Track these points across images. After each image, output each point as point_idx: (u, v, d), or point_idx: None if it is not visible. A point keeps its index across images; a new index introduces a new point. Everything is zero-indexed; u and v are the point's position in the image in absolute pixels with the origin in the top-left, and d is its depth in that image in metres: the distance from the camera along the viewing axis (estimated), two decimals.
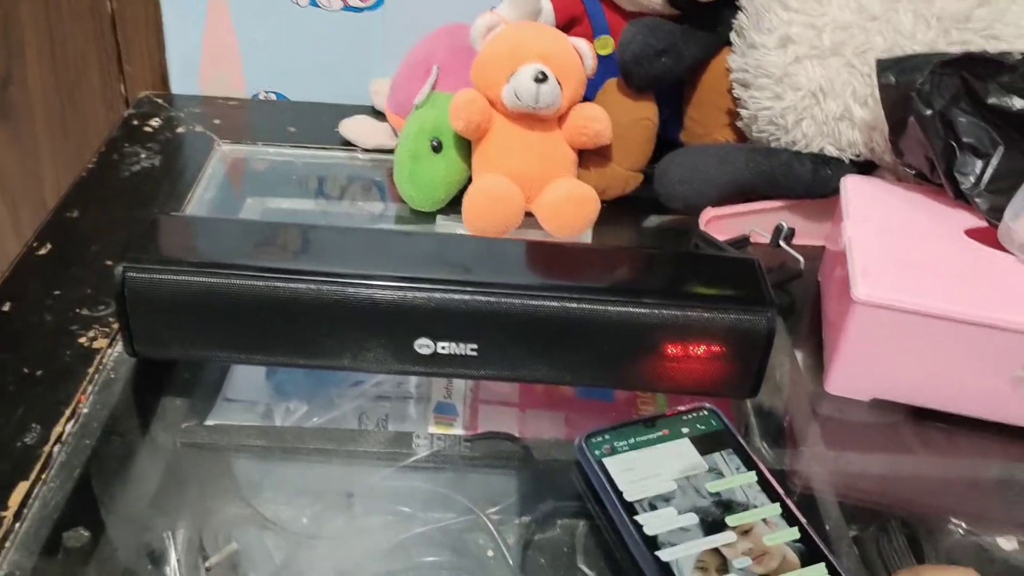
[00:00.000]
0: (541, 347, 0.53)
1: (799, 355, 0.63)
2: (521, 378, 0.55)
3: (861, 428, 0.59)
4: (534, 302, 0.52)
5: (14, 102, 0.92)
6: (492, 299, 0.52)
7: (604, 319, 0.52)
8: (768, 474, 0.49)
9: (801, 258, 0.66)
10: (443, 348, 0.53)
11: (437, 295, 0.52)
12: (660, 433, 0.51)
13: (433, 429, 0.60)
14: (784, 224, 0.67)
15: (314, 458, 0.56)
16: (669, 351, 0.52)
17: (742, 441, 0.51)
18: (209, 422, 0.58)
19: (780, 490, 0.48)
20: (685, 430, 0.51)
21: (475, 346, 0.53)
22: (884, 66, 0.60)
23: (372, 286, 0.52)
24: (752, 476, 0.49)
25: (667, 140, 0.77)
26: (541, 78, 0.67)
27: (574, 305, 0.52)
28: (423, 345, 0.53)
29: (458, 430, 0.59)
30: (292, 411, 0.62)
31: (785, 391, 0.63)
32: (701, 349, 0.52)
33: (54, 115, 0.93)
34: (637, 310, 0.52)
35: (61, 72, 0.91)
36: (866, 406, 0.59)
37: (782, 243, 0.66)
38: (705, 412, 0.52)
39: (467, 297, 0.52)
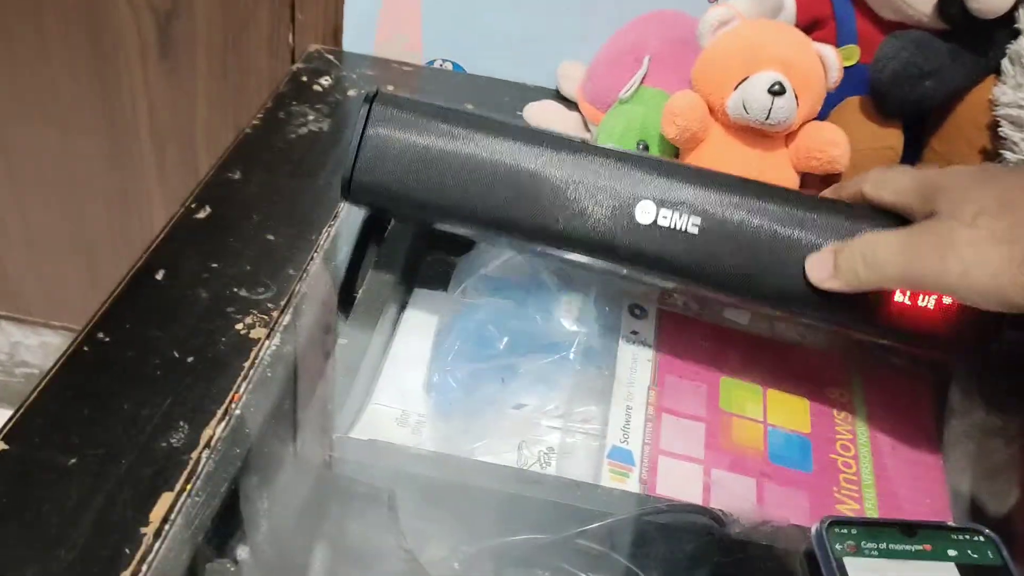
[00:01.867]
0: (768, 248, 0.50)
1: None
2: (737, 282, 0.50)
3: None
4: (769, 198, 0.51)
5: (177, 37, 0.87)
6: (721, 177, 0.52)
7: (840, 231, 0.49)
8: None
9: None
10: (664, 218, 0.50)
11: (666, 165, 0.51)
12: (921, 547, 0.42)
13: (608, 480, 0.52)
14: None
15: (474, 495, 0.49)
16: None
17: None
18: (356, 433, 0.52)
19: None
20: (952, 552, 0.42)
21: (698, 220, 0.49)
22: None
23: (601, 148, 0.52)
24: None
25: None
26: (778, 90, 0.57)
27: (811, 214, 0.50)
28: (644, 211, 0.50)
29: (634, 483, 0.51)
30: (446, 427, 0.55)
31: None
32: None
33: (216, 56, 0.88)
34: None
35: (230, 12, 0.85)
36: None
37: None
38: (982, 539, 0.43)
39: (699, 172, 0.52)
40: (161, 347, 0.50)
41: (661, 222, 0.50)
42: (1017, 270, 0.39)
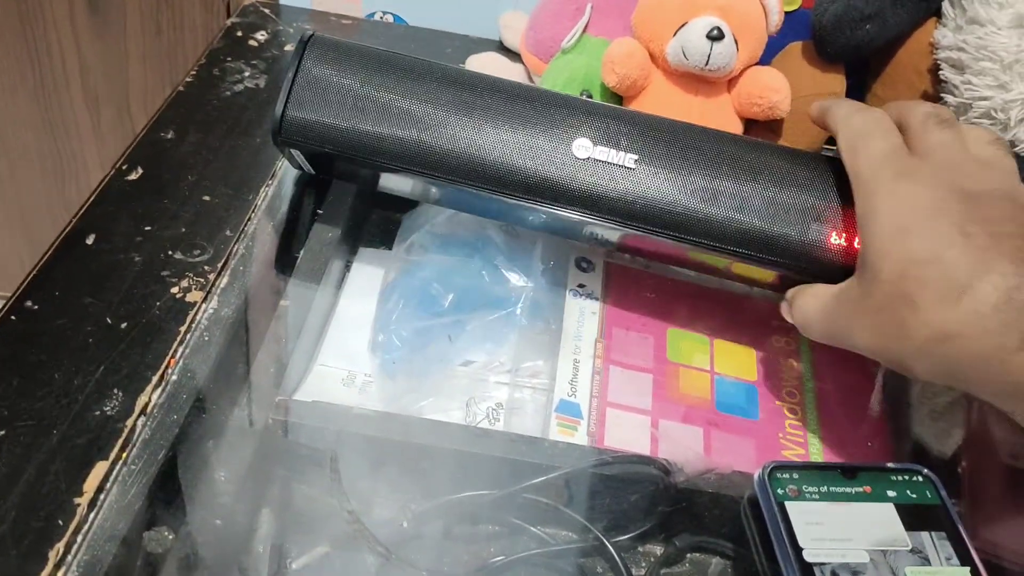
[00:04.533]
0: (703, 176, 0.50)
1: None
2: (672, 218, 0.50)
3: None
4: (702, 133, 0.52)
5: None
6: (658, 119, 0.52)
7: (776, 162, 0.50)
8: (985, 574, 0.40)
9: None
10: (601, 152, 0.50)
11: (603, 108, 0.52)
12: (861, 489, 0.43)
13: (556, 433, 0.52)
14: None
15: (422, 454, 0.48)
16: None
17: (960, 526, 0.41)
18: (301, 396, 0.51)
19: None
20: (891, 493, 0.43)
21: (636, 157, 0.50)
22: None
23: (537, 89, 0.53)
24: (965, 573, 0.40)
25: None
26: (716, 35, 0.57)
27: (743, 153, 0.51)
28: (581, 146, 0.50)
29: (582, 436, 0.51)
30: (393, 387, 0.55)
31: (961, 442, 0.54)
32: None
33: (147, 12, 0.85)
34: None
35: None
36: None
37: None
38: (920, 478, 0.43)
39: (636, 114, 0.52)
40: (93, 314, 0.48)
41: (598, 156, 0.50)
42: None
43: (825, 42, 0.61)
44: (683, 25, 0.58)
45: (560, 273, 0.60)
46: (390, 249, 0.62)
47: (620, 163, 0.50)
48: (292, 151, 0.53)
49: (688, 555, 0.48)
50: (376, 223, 0.63)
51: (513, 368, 0.57)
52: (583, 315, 0.58)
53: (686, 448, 0.52)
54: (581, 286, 0.59)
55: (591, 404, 0.53)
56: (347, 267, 0.60)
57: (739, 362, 0.57)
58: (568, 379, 0.54)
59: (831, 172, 0.50)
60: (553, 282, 0.60)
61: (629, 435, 0.52)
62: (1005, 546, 0.46)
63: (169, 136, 0.61)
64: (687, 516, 0.46)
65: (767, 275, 0.54)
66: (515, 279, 0.60)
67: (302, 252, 0.57)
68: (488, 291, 0.59)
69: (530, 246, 0.60)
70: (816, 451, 0.53)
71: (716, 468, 0.47)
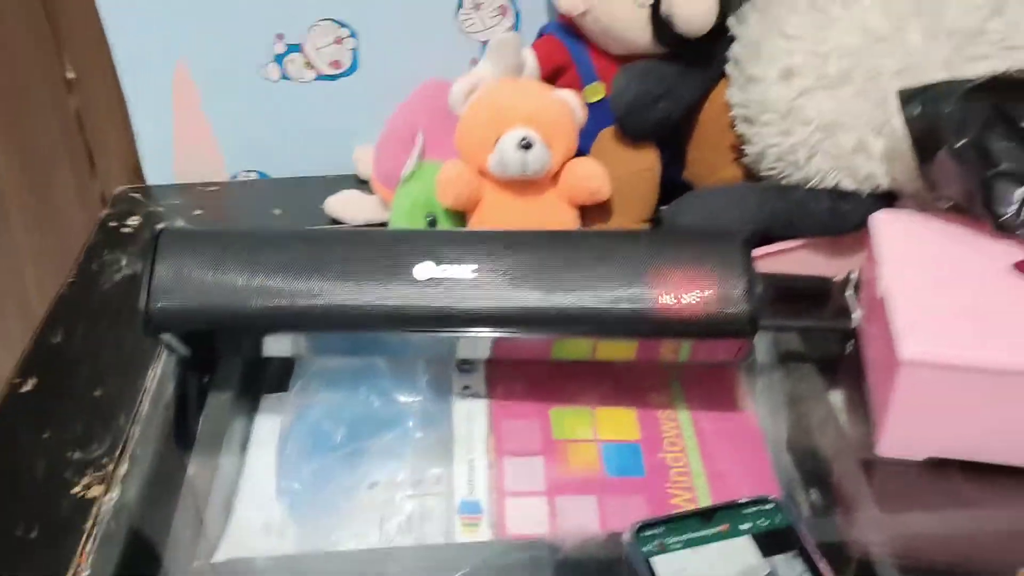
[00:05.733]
0: (537, 266, 0.55)
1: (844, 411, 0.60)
2: (520, 314, 0.54)
3: (915, 486, 0.55)
4: (531, 236, 0.57)
5: None
6: (492, 233, 0.57)
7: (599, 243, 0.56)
8: None
9: (858, 312, 0.61)
10: (442, 271, 0.54)
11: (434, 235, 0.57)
12: (718, 529, 0.47)
13: (461, 534, 0.56)
14: (855, 274, 0.62)
15: None
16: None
17: (809, 541, 0.46)
18: (220, 556, 0.54)
19: None
20: (746, 526, 0.47)
21: (474, 267, 0.54)
22: (907, 96, 0.55)
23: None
24: None
25: (670, 179, 0.73)
26: (526, 144, 0.63)
27: (569, 243, 0.56)
28: (422, 270, 0.54)
29: (485, 530, 0.55)
30: (306, 527, 0.58)
31: (831, 452, 0.59)
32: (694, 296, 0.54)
33: (29, 214, 0.90)
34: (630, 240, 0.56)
35: (30, 170, 0.87)
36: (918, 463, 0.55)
37: (848, 292, 0.62)
38: (769, 505, 0.48)
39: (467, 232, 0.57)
40: (3, 528, 0.52)
41: (438, 275, 0.55)
42: None
43: (627, 127, 0.67)
44: (498, 139, 0.64)
45: (444, 379, 0.64)
46: (287, 391, 0.66)
47: (460, 276, 0.55)
48: (163, 336, 0.57)
49: None
50: (275, 368, 0.66)
51: (416, 480, 0.60)
52: (471, 414, 0.62)
53: (582, 519, 0.56)
54: (466, 387, 0.64)
55: (491, 498, 0.57)
56: (251, 416, 0.64)
57: (621, 425, 0.62)
58: (466, 479, 0.58)
59: (647, 241, 0.56)
60: (439, 390, 0.64)
61: (529, 519, 0.56)
62: None
63: (57, 340, 0.66)
64: None
65: (628, 350, 0.58)
66: (403, 397, 0.64)
67: (201, 418, 0.61)
68: (379, 414, 0.63)
69: (412, 361, 0.64)
70: (703, 494, 0.58)
71: (597, 534, 0.51)
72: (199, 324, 0.56)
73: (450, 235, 0.57)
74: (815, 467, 0.59)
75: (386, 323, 0.56)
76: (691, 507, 0.56)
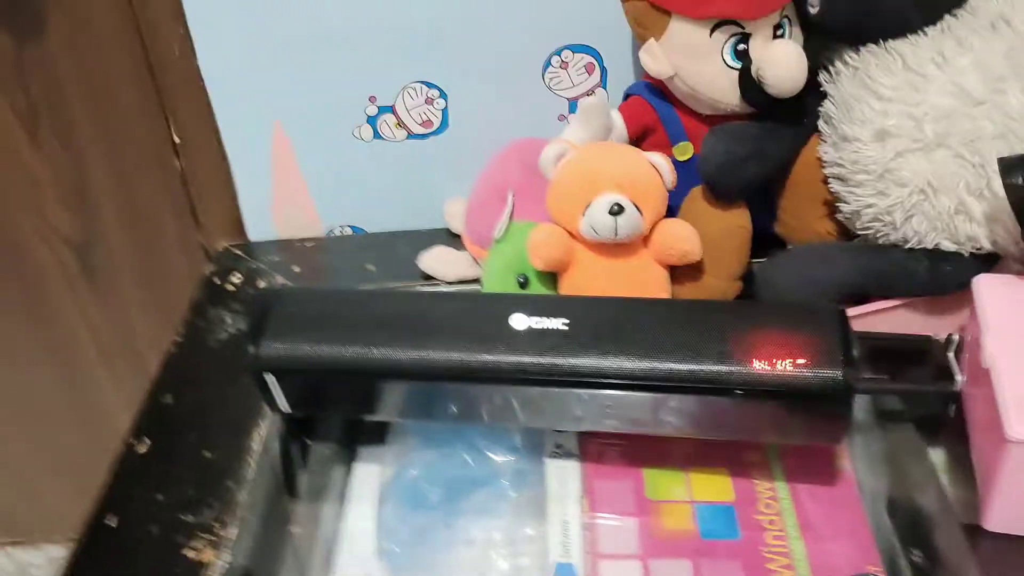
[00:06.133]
0: (630, 332, 0.56)
1: (947, 479, 0.58)
2: (610, 365, 0.55)
3: (1017, 559, 0.54)
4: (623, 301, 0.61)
5: (98, 263, 0.93)
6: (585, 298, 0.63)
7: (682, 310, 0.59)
8: None
9: (962, 377, 0.60)
10: (536, 322, 0.56)
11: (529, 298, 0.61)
12: None
13: None
14: (958, 335, 0.61)
15: None
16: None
17: None
18: None
19: None
20: None
21: (566, 320, 0.56)
22: (1008, 165, 0.54)
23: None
24: None
25: (761, 233, 0.72)
26: (617, 211, 0.64)
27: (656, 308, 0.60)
28: (518, 320, 0.57)
29: None
30: None
31: (933, 517, 0.58)
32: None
33: (137, 270, 0.94)
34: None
35: (139, 229, 0.91)
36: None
37: (951, 354, 0.61)
38: None
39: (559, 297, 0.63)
40: None
41: (534, 326, 0.57)
42: None
43: (717, 189, 0.67)
44: (588, 204, 0.65)
45: (537, 438, 0.65)
46: (384, 443, 0.68)
47: (553, 328, 0.57)
48: (268, 381, 0.59)
49: None
50: (368, 423, 0.69)
51: (510, 539, 0.62)
52: (564, 473, 0.63)
53: None
54: (558, 446, 0.65)
55: (584, 561, 0.58)
56: (348, 471, 0.66)
57: (716, 486, 0.62)
58: (559, 541, 0.59)
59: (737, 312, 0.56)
60: (532, 449, 0.65)
61: None
62: None
63: (168, 401, 0.69)
64: None
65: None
66: (497, 456, 0.65)
67: (303, 475, 0.63)
68: (474, 473, 0.65)
69: None
70: (800, 557, 0.57)
71: None
72: (304, 365, 0.58)
73: (544, 297, 0.59)
74: (916, 532, 0.57)
75: (480, 372, 0.57)
76: (789, 574, 0.56)
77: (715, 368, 0.54)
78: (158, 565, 0.56)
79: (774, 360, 0.54)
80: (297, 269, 0.83)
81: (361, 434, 0.68)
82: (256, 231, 0.88)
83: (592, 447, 0.64)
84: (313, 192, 0.86)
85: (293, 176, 0.85)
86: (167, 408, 0.69)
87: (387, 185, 0.85)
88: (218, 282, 0.82)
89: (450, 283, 0.79)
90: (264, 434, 0.65)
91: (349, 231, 0.88)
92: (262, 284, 0.81)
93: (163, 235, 0.91)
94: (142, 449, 0.65)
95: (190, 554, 0.57)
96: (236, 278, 0.82)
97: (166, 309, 0.95)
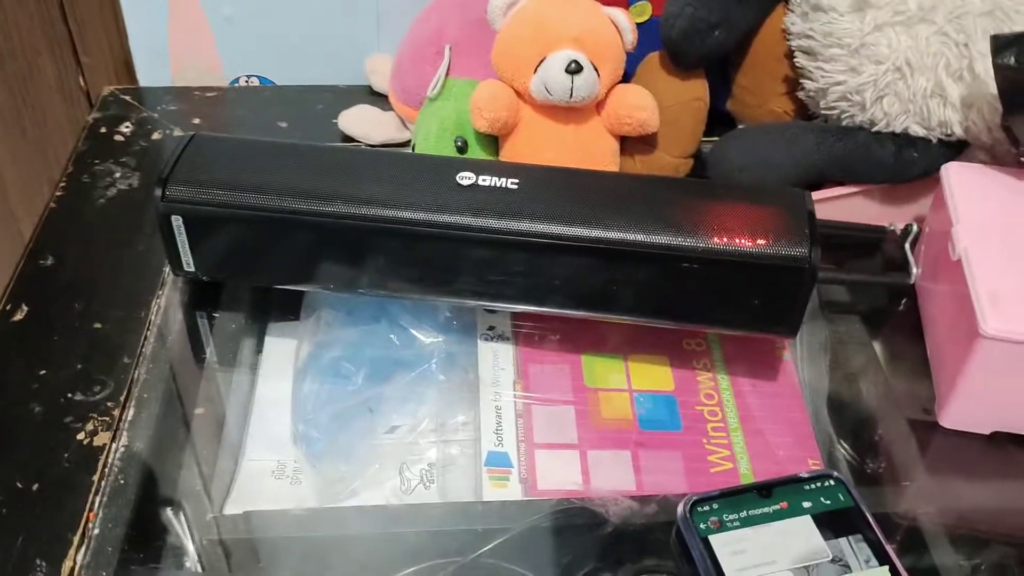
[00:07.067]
0: (580, 195, 0.53)
1: (893, 374, 0.57)
2: (559, 231, 0.51)
3: (968, 457, 0.53)
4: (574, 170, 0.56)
5: None
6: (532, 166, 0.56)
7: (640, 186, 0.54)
8: (902, 570, 0.42)
9: (917, 269, 0.58)
10: (484, 180, 0.53)
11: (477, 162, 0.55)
12: (777, 506, 0.44)
13: (489, 490, 0.53)
14: (915, 226, 0.59)
15: (359, 543, 0.49)
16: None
17: (874, 524, 0.44)
18: (232, 503, 0.51)
19: None
20: (807, 504, 0.44)
21: (516, 181, 0.53)
22: (1001, 44, 0.50)
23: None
24: (884, 573, 0.42)
25: (713, 110, 0.67)
26: (574, 69, 0.57)
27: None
28: (465, 176, 0.53)
29: (514, 485, 0.52)
30: (324, 474, 0.55)
31: (877, 414, 0.56)
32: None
33: (9, 113, 0.83)
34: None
35: (7, 68, 0.80)
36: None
37: (907, 246, 0.58)
38: (831, 483, 0.45)
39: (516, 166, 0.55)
40: (2, 479, 0.48)
41: (481, 183, 0.53)
42: None
43: (678, 55, 0.61)
44: (542, 61, 0.58)
45: (468, 318, 0.61)
46: (298, 319, 0.62)
47: (503, 186, 0.52)
48: (175, 226, 0.53)
49: None
50: (280, 295, 0.62)
51: (439, 425, 0.57)
52: (497, 357, 0.59)
53: (617, 475, 0.53)
54: (491, 328, 0.60)
55: (519, 450, 0.54)
56: (258, 348, 0.60)
57: (655, 375, 0.59)
58: (492, 429, 0.55)
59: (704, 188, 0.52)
60: (463, 330, 0.60)
61: (560, 474, 0.53)
62: None
63: (49, 263, 0.60)
64: (625, 552, 0.48)
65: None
66: (424, 336, 0.60)
67: (208, 351, 0.57)
68: (400, 354, 0.60)
69: None
70: (740, 449, 0.55)
71: (647, 499, 0.48)
72: (216, 210, 0.52)
73: (494, 165, 0.53)
74: (858, 429, 0.56)
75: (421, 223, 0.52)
76: (729, 465, 0.54)
77: (679, 241, 0.51)
78: (43, 450, 0.49)
79: (742, 236, 0.51)
80: (197, 121, 0.74)
81: (272, 306, 0.62)
82: (148, 75, 0.78)
83: (527, 331, 0.60)
84: (216, 32, 0.76)
85: (193, 12, 0.74)
86: (47, 271, 0.60)
87: (301, 30, 0.76)
88: (104, 131, 0.72)
89: (374, 145, 0.71)
90: (163, 304, 0.58)
91: (256, 81, 0.79)
92: (156, 136, 0.72)
93: (37, 75, 0.80)
94: (19, 316, 0.56)
95: (81, 437, 0.50)
96: (126, 128, 0.72)
97: (43, 160, 0.84)
